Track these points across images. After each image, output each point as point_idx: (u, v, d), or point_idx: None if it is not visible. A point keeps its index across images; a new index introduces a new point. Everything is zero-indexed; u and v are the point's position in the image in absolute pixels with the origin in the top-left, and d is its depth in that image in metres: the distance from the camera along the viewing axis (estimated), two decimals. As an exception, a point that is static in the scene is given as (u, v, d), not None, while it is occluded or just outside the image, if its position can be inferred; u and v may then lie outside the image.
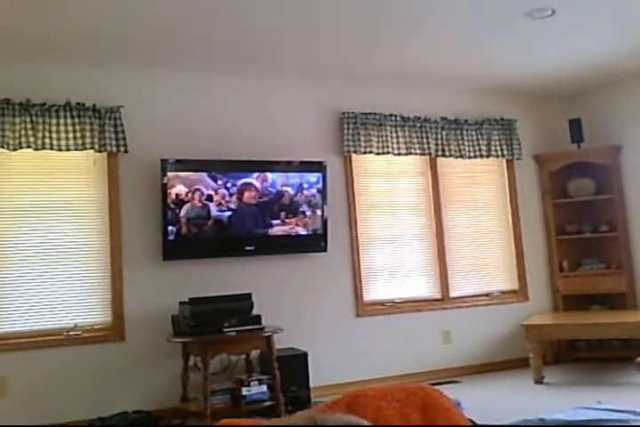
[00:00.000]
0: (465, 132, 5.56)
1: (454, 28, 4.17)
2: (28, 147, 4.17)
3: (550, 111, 6.08)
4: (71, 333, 4.21)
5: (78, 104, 4.33)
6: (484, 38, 4.41)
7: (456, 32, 4.26)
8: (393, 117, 5.28)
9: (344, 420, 0.74)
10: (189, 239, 4.45)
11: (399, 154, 5.28)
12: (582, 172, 5.77)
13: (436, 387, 2.33)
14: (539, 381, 4.75)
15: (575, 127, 5.78)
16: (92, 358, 4.24)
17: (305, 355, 4.46)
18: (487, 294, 5.60)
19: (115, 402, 4.17)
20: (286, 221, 4.76)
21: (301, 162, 4.85)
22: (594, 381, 4.80)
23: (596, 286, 5.60)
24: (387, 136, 5.23)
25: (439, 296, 5.41)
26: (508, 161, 5.82)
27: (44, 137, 4.21)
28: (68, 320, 4.24)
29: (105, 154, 4.43)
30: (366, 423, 0.75)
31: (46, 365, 4.14)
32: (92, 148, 4.33)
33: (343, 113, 5.14)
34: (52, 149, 4.23)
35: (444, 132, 5.47)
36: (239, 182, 4.62)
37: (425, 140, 5.38)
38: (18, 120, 4.15)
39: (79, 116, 4.33)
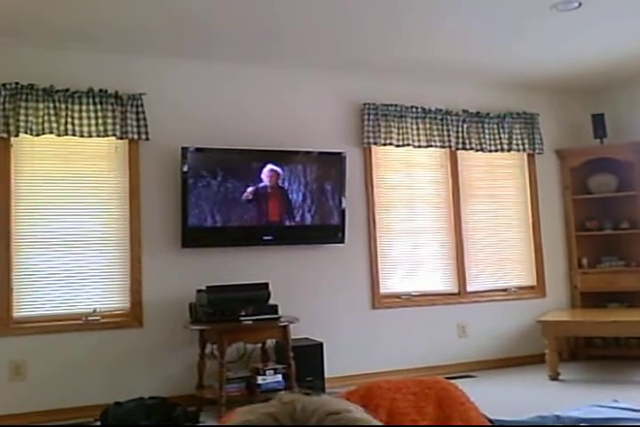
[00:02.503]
0: (486, 126, 5.51)
1: (478, 20, 4.13)
2: (51, 133, 4.20)
3: (573, 106, 6.00)
4: (90, 318, 4.26)
5: (101, 91, 4.35)
6: (508, 31, 4.36)
7: (480, 24, 4.21)
8: (414, 109, 5.25)
9: (333, 407, 0.64)
10: (208, 227, 4.47)
11: (419, 146, 5.25)
12: (604, 168, 5.70)
13: (452, 381, 2.33)
14: (554, 377, 4.73)
15: (598, 122, 5.70)
16: (110, 343, 4.29)
17: (320, 345, 4.48)
18: (504, 290, 5.57)
19: (131, 387, 4.21)
20: (305, 211, 4.76)
21: (321, 153, 4.84)
22: (610, 379, 4.77)
23: (614, 283, 5.55)
24: (407, 128, 5.20)
25: (456, 290, 5.39)
26: (529, 155, 5.77)
27: (66, 123, 4.24)
28: (87, 305, 4.28)
29: (126, 141, 4.45)
30: (359, 413, 0.66)
31: (65, 349, 4.19)
32: (113, 135, 4.36)
33: (364, 104, 5.11)
34: (74, 135, 4.26)
35: (465, 125, 5.43)
36: (258, 172, 4.63)
37: (446, 133, 5.34)
38: (41, 106, 4.18)
39: (101, 103, 4.35)
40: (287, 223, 4.71)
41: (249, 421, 0.63)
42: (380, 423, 0.65)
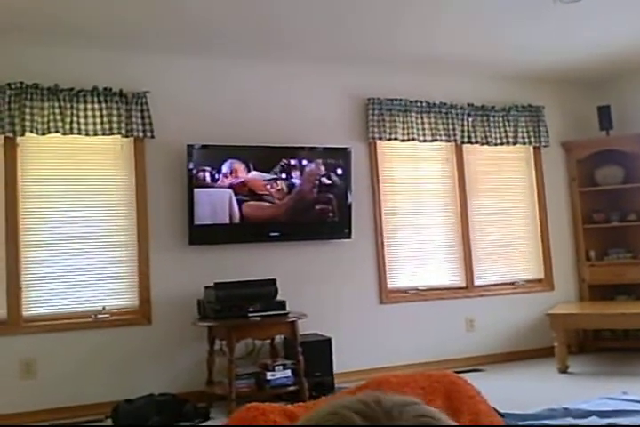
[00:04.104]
0: (491, 119, 5.50)
1: (482, 12, 4.11)
2: (57, 131, 4.21)
3: (579, 98, 5.98)
4: (99, 316, 4.28)
5: (105, 89, 4.36)
6: (511, 23, 4.34)
7: (484, 17, 4.20)
8: (419, 103, 5.23)
9: (410, 399, 0.70)
10: (215, 224, 4.48)
11: (424, 140, 5.24)
12: (611, 160, 5.68)
13: (460, 375, 2.33)
14: (563, 370, 4.72)
15: (604, 114, 5.67)
16: (119, 340, 4.31)
17: (329, 341, 4.48)
18: (512, 283, 5.56)
19: (141, 384, 4.23)
20: (311, 207, 4.76)
21: (325, 148, 4.84)
22: (619, 371, 4.76)
23: (622, 275, 5.53)
24: (412, 122, 5.19)
25: (463, 284, 5.39)
26: (535, 148, 5.75)
27: (71, 122, 4.25)
28: (96, 303, 4.30)
29: (132, 139, 4.46)
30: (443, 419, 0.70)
31: (74, 347, 4.21)
32: (119, 133, 4.36)
33: (368, 99, 5.10)
34: (79, 133, 4.27)
35: (470, 119, 5.41)
36: (263, 171, 4.63)
37: (451, 127, 5.33)
38: (46, 105, 4.19)
39: (106, 101, 4.36)
40: (294, 219, 4.71)
41: (340, 404, 0.68)
42: (445, 414, 0.70)
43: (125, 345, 4.32)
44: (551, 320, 4.88)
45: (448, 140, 5.34)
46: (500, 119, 5.54)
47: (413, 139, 5.18)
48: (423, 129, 5.24)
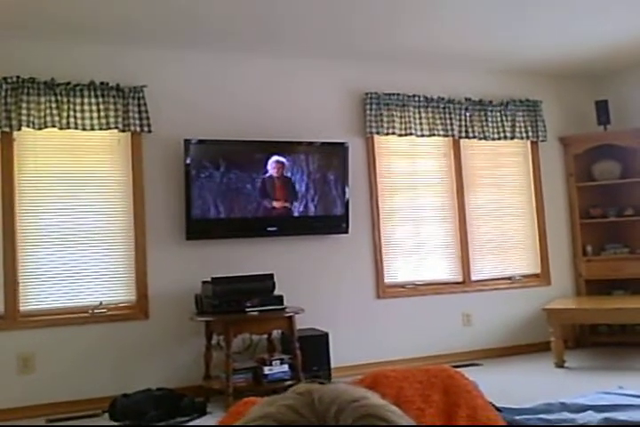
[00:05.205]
0: (489, 114, 5.49)
1: (480, 7, 4.10)
2: (53, 126, 4.20)
3: (577, 92, 5.97)
4: (96, 311, 4.28)
5: (102, 83, 4.34)
6: (509, 18, 4.33)
7: (482, 12, 4.19)
8: (416, 98, 5.22)
9: (350, 395, 0.63)
10: (212, 219, 4.48)
11: (422, 135, 5.24)
12: (608, 154, 5.68)
13: (458, 369, 2.33)
14: (560, 365, 4.74)
15: (602, 109, 5.67)
16: (117, 335, 4.31)
17: (326, 335, 4.49)
18: (509, 278, 5.57)
19: (139, 379, 4.24)
20: (308, 202, 4.76)
21: (323, 143, 4.83)
22: (615, 366, 4.78)
23: (619, 270, 5.54)
24: (410, 117, 5.18)
25: (460, 279, 5.39)
26: (532, 143, 5.74)
27: (68, 116, 4.24)
28: (93, 298, 4.30)
29: (129, 133, 4.45)
30: (377, 401, 0.64)
31: (72, 342, 4.21)
32: (115, 127, 4.35)
33: (366, 93, 5.09)
34: (76, 128, 4.26)
35: (467, 114, 5.40)
36: (260, 163, 4.63)
37: (448, 122, 5.32)
38: (43, 99, 4.18)
39: (103, 96, 4.34)
40: (291, 214, 4.71)
41: (269, 413, 0.62)
42: (397, 408, 0.64)
43: (123, 340, 4.32)
44: (548, 315, 4.89)
45: (445, 135, 5.33)
46: (498, 114, 5.53)
47: (411, 133, 5.18)
48: (421, 124, 5.23)
